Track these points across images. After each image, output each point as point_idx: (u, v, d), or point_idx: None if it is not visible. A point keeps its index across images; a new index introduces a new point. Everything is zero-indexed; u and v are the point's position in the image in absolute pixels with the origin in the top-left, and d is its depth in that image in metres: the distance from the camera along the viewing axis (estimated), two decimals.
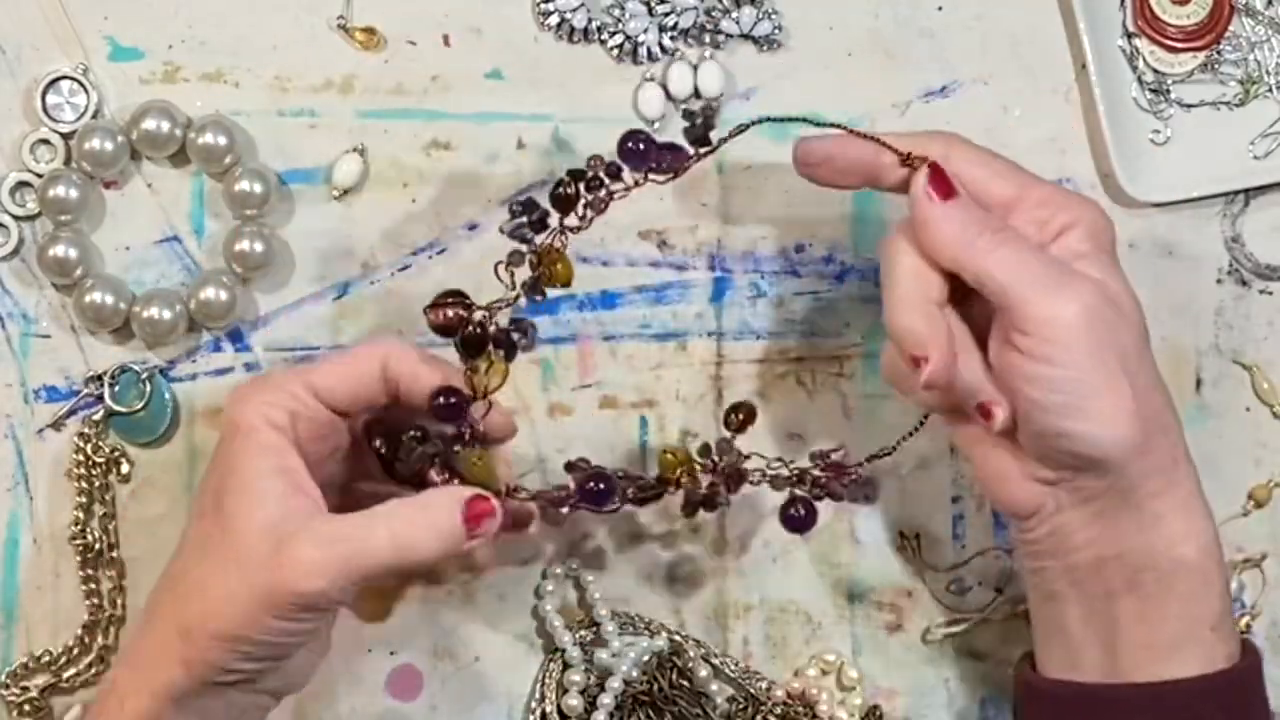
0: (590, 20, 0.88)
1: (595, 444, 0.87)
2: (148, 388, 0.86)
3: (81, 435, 0.85)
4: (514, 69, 0.88)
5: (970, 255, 0.74)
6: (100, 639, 0.85)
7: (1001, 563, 0.89)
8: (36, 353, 0.86)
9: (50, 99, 0.85)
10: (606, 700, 0.85)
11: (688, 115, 0.79)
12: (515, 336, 0.78)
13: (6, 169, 0.86)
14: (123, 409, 0.86)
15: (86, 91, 0.85)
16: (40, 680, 0.85)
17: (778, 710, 0.87)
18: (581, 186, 0.78)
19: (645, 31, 0.88)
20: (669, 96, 0.88)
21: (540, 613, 0.87)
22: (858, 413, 0.89)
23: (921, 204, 0.76)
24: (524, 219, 0.78)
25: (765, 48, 0.89)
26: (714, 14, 0.88)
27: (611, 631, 0.86)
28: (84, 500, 0.85)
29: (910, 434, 0.84)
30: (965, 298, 0.77)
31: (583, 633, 0.87)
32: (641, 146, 0.78)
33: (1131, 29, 0.90)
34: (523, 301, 0.78)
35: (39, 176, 0.85)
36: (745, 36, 0.88)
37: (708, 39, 0.88)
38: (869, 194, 0.85)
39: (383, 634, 0.87)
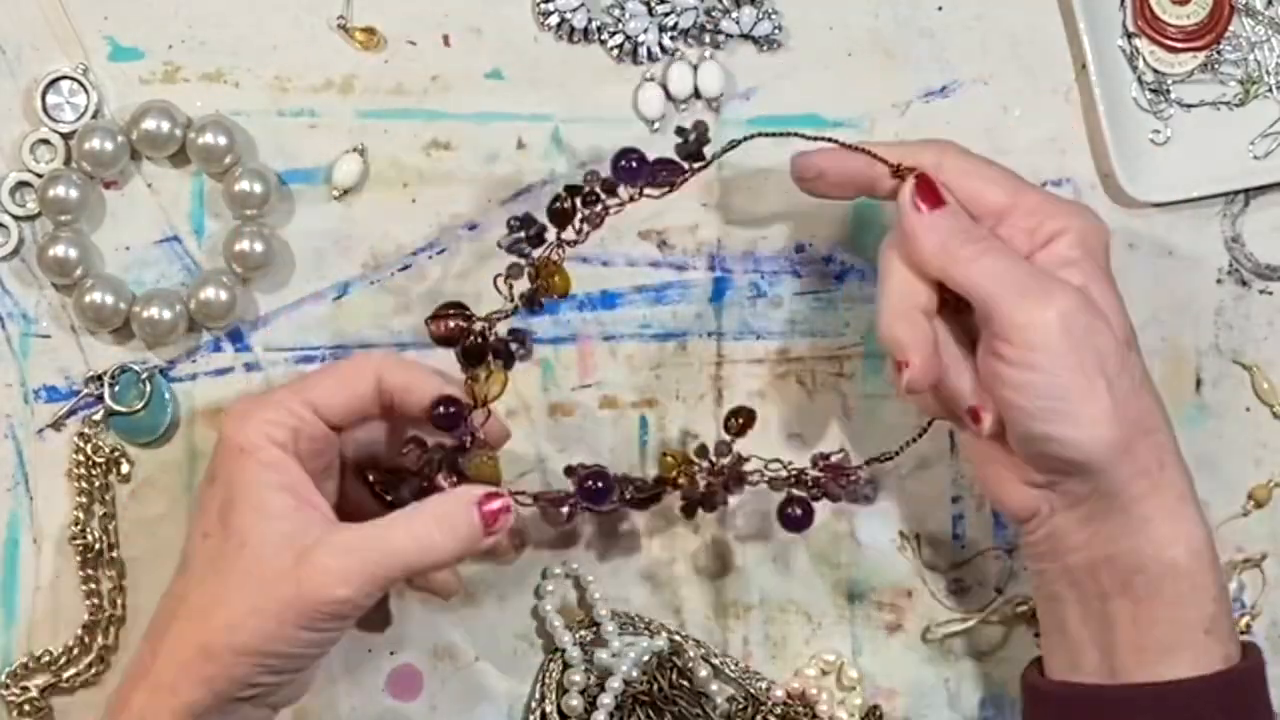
0: (590, 20, 0.88)
1: (595, 444, 0.87)
2: (148, 388, 0.86)
3: (81, 435, 0.85)
4: (514, 69, 0.88)
5: (954, 264, 0.77)
6: (100, 639, 0.85)
7: (1001, 563, 0.89)
8: (36, 353, 0.86)
9: (50, 99, 0.85)
10: (606, 700, 0.85)
11: (680, 132, 0.81)
12: (514, 347, 0.80)
13: (6, 169, 0.86)
14: (123, 409, 0.86)
15: (86, 91, 0.85)
16: (40, 680, 0.85)
17: (778, 710, 0.87)
18: (578, 201, 0.79)
19: (645, 31, 0.88)
20: (669, 96, 0.88)
21: (540, 613, 0.87)
22: (858, 413, 0.89)
23: (908, 215, 0.78)
24: (521, 234, 0.79)
25: (765, 48, 0.89)
26: (714, 14, 0.88)
27: (611, 631, 0.86)
28: (84, 500, 0.85)
29: (913, 440, 0.84)
30: (961, 307, 0.79)
31: (583, 633, 0.87)
32: (634, 165, 0.79)
33: (1131, 29, 0.90)
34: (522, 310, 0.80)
35: (39, 176, 0.85)
36: (745, 36, 0.88)
37: (708, 39, 0.88)
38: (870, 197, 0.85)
39: (383, 634, 0.87)
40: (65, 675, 0.85)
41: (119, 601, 0.85)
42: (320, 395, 0.78)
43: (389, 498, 0.80)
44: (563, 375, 0.88)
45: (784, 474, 0.83)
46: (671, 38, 0.88)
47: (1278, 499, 0.90)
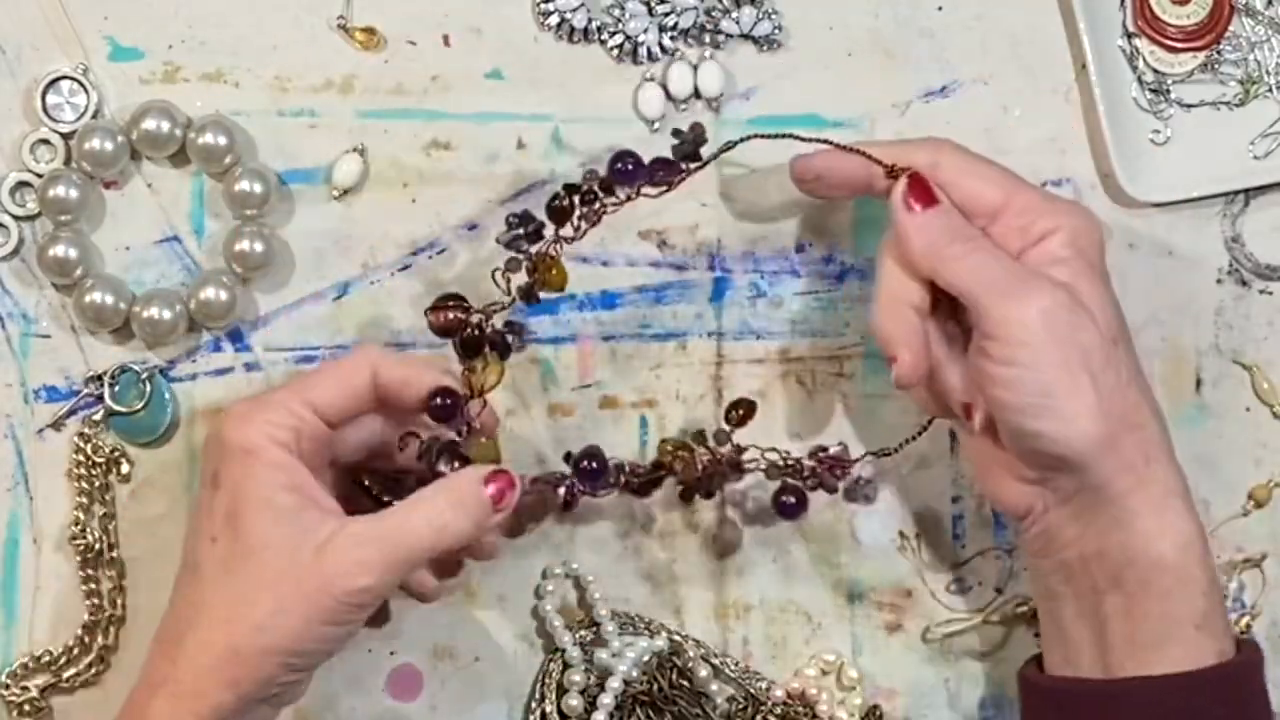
0: (590, 20, 0.88)
1: (595, 444, 0.87)
2: (148, 388, 0.86)
3: (81, 435, 0.85)
4: (514, 69, 0.88)
5: (942, 263, 0.78)
6: (100, 639, 0.85)
7: (1001, 563, 0.89)
8: (36, 353, 0.86)
9: (50, 99, 0.85)
10: (606, 700, 0.85)
11: (677, 134, 0.82)
12: (509, 338, 0.81)
13: (6, 169, 0.86)
14: (123, 409, 0.86)
15: (86, 91, 0.85)
16: (40, 680, 0.85)
17: (778, 710, 0.87)
18: (576, 199, 0.81)
19: (645, 31, 0.88)
20: (669, 96, 0.88)
21: (540, 613, 0.87)
22: (858, 413, 0.89)
23: (899, 214, 0.79)
24: (520, 230, 0.80)
25: (765, 48, 0.89)
26: (714, 14, 0.88)
27: (611, 631, 0.86)
28: (84, 500, 0.85)
29: (913, 438, 0.85)
30: (958, 306, 0.80)
31: (583, 633, 0.87)
32: (630, 167, 0.81)
33: (1131, 29, 0.90)
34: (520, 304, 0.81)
35: (39, 176, 0.85)
36: (745, 36, 0.88)
37: (708, 39, 0.88)
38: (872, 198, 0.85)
39: (383, 634, 0.86)
40: (65, 675, 0.85)
41: (119, 601, 0.85)
42: (319, 395, 0.78)
43: (385, 499, 0.80)
44: (563, 375, 0.88)
45: (780, 463, 0.84)
46: (671, 38, 0.88)
47: (1278, 499, 0.90)
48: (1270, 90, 0.90)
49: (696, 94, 0.88)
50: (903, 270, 0.80)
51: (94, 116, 0.85)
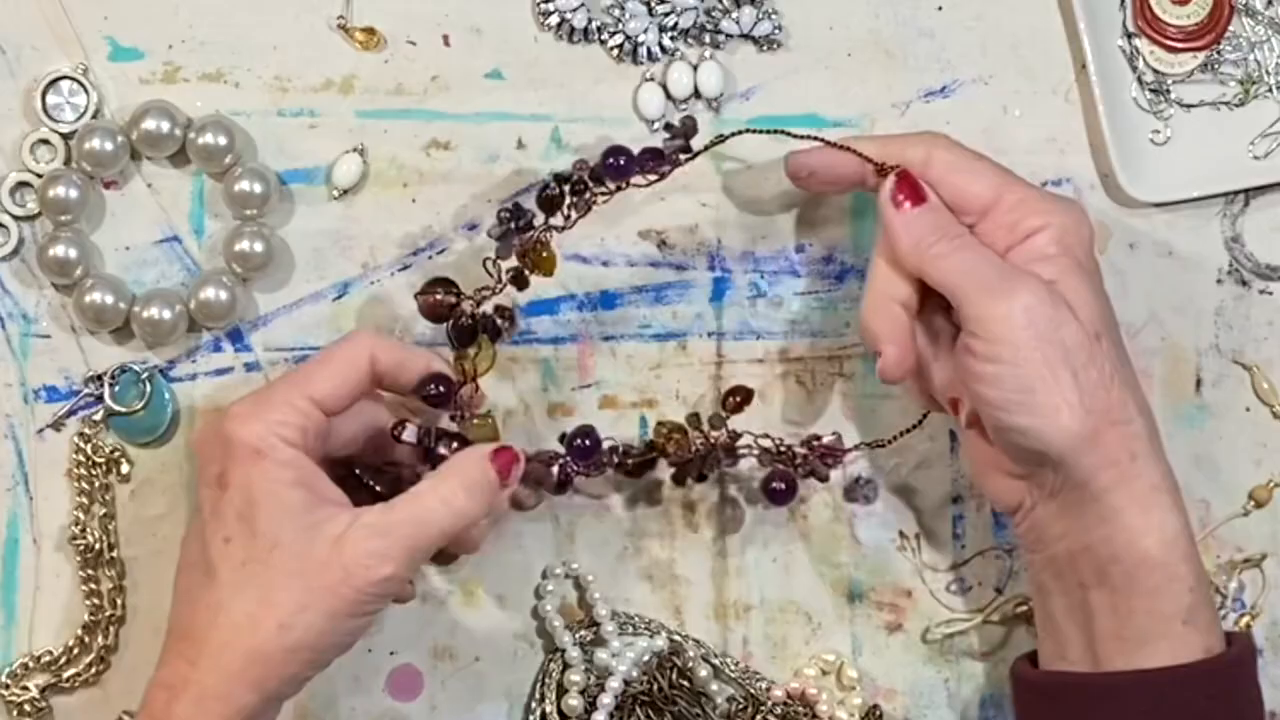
0: (590, 20, 0.88)
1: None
2: (148, 388, 0.86)
3: (81, 435, 0.85)
4: (514, 69, 0.88)
5: (928, 260, 0.79)
6: (100, 639, 0.85)
7: (1001, 563, 0.89)
8: (36, 353, 0.86)
9: (50, 99, 0.85)
10: (606, 700, 0.85)
11: (669, 128, 0.83)
12: (499, 322, 0.82)
13: (6, 169, 0.86)
14: (123, 409, 0.86)
15: (86, 91, 0.85)
16: (40, 680, 0.85)
17: (778, 710, 0.87)
18: (566, 189, 0.81)
19: (645, 31, 0.88)
20: (669, 96, 0.88)
21: (540, 613, 0.87)
22: (857, 413, 0.89)
23: (887, 212, 0.80)
24: (511, 225, 0.81)
25: (765, 48, 0.89)
26: (714, 14, 0.88)
27: (611, 631, 0.86)
28: (84, 500, 0.85)
29: (907, 431, 0.86)
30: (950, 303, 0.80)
31: (583, 633, 0.87)
32: (622, 162, 0.82)
33: (1131, 29, 0.90)
34: (518, 298, 0.83)
35: (39, 176, 0.85)
36: (745, 36, 0.88)
37: (708, 39, 0.88)
38: (868, 194, 0.85)
39: (383, 634, 0.87)
40: (65, 675, 0.85)
41: (119, 601, 0.85)
42: (321, 389, 0.78)
43: (379, 488, 0.81)
44: (563, 375, 0.88)
45: (773, 449, 0.85)
46: (671, 38, 0.88)
47: (1278, 499, 0.90)
48: (1270, 90, 0.90)
49: (696, 94, 0.88)
50: (891, 267, 0.81)
51: (94, 116, 0.85)
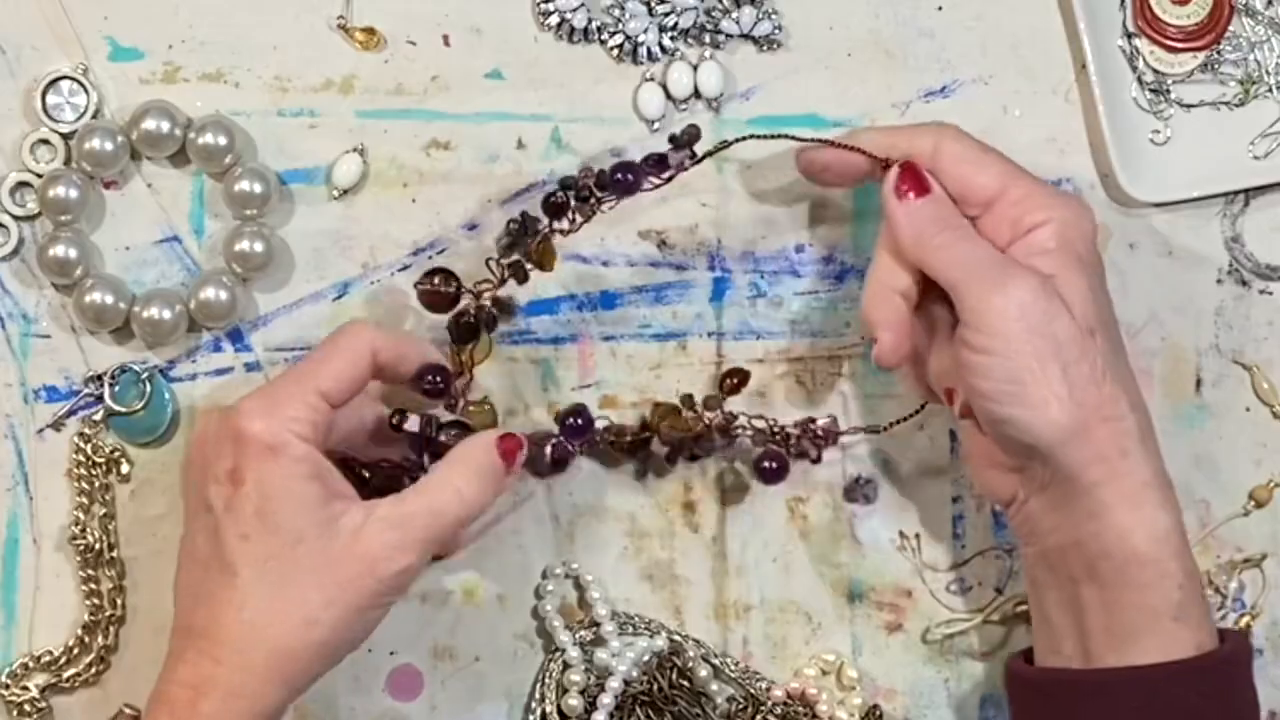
0: (590, 20, 0.88)
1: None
2: (148, 388, 0.86)
3: (81, 435, 0.85)
4: (514, 69, 0.88)
5: (928, 251, 0.80)
6: (100, 639, 0.85)
7: (1001, 563, 0.89)
8: (36, 353, 0.86)
9: (50, 99, 0.85)
10: (606, 700, 0.85)
11: (672, 139, 0.83)
12: (495, 313, 0.83)
13: (6, 169, 0.86)
14: (123, 409, 0.85)
15: (86, 91, 0.85)
16: (40, 680, 0.85)
17: (778, 710, 0.87)
18: (571, 195, 0.82)
19: (645, 31, 0.88)
20: (669, 96, 0.88)
21: (540, 613, 0.87)
22: (858, 413, 0.89)
23: (890, 202, 0.81)
24: (520, 236, 0.83)
25: (765, 48, 0.89)
26: (714, 14, 0.88)
27: (611, 631, 0.86)
28: (84, 500, 0.85)
29: (905, 418, 0.87)
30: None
31: (583, 633, 0.87)
32: (630, 176, 0.82)
33: (1131, 29, 0.90)
34: (518, 296, 0.85)
35: (39, 176, 0.85)
36: (745, 36, 0.88)
37: (708, 39, 0.88)
38: (869, 193, 0.85)
39: (383, 634, 0.86)
40: (65, 675, 0.85)
41: (119, 601, 0.85)
42: (329, 383, 0.78)
43: (374, 481, 0.81)
44: (563, 375, 0.88)
45: (766, 429, 0.85)
46: (671, 38, 0.88)
47: (1278, 499, 0.90)
48: (1270, 90, 0.90)
49: (696, 94, 0.88)
50: (892, 258, 0.81)
51: (94, 116, 0.85)
